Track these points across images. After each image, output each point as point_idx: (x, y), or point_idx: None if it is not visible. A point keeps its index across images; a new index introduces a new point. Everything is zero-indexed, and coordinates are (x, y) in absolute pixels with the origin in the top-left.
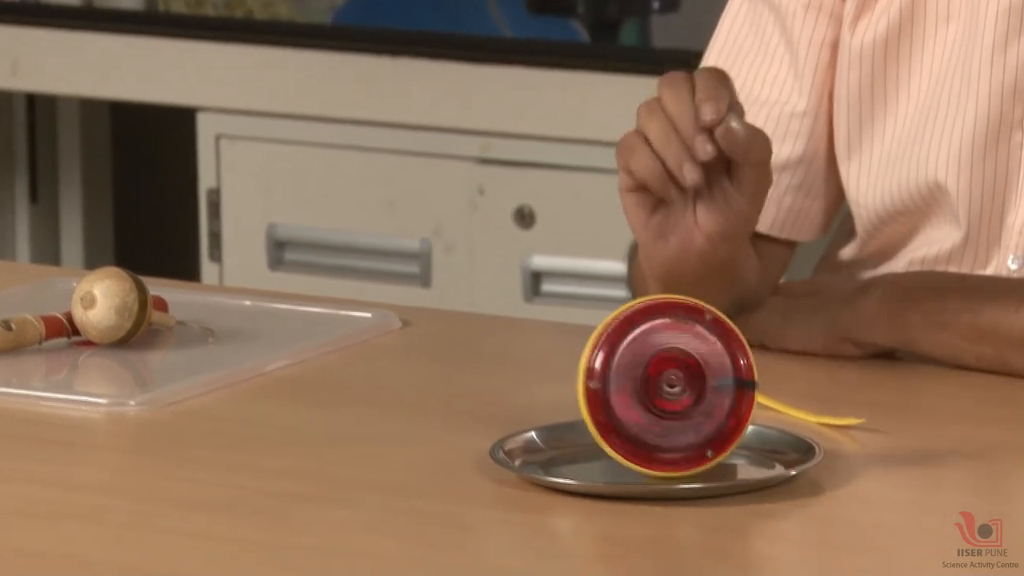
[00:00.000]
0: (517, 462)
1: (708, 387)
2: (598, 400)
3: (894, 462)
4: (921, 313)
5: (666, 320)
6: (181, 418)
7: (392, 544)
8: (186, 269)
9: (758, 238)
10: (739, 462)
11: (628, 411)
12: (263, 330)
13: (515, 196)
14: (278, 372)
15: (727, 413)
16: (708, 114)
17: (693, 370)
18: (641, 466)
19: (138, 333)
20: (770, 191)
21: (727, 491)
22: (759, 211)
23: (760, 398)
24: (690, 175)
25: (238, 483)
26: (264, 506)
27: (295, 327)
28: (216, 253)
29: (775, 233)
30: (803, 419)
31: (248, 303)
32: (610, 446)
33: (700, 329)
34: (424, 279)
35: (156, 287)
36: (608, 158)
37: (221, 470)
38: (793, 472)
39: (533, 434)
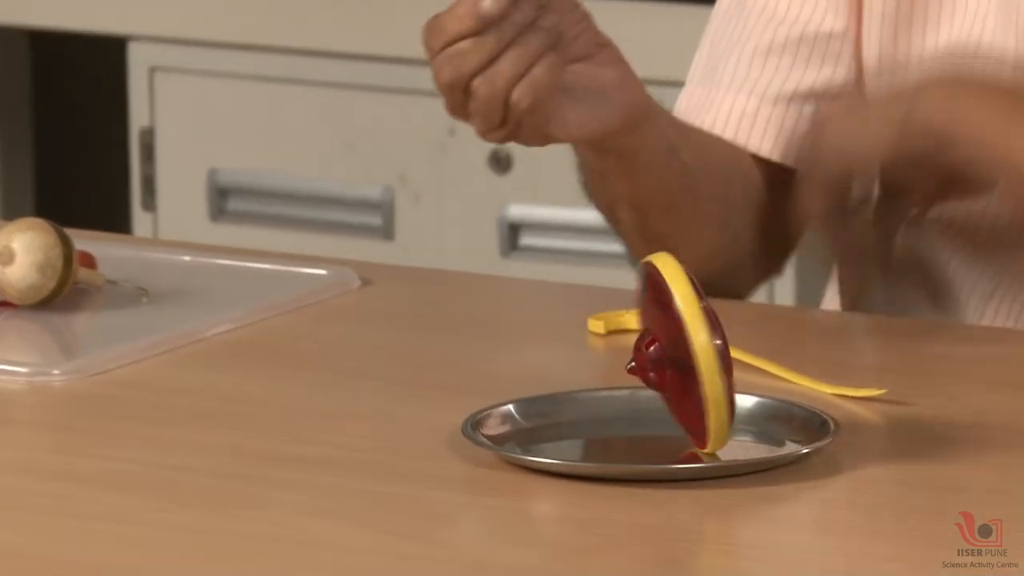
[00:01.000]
0: (493, 439)
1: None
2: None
3: (921, 438)
4: None
5: None
6: (111, 389)
7: (351, 532)
8: (116, 220)
9: (787, 174)
10: (743, 439)
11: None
12: (203, 289)
13: None
14: (221, 337)
15: None
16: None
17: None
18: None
19: (62, 293)
20: (803, 121)
21: (730, 471)
22: (617, 101)
23: (769, 366)
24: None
25: (176, 463)
26: (206, 489)
27: (240, 286)
28: (150, 201)
29: (790, 162)
30: (817, 390)
31: (187, 258)
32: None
33: None
34: (387, 231)
35: (82, 240)
36: None
37: (156, 448)
38: (805, 450)
39: (511, 407)
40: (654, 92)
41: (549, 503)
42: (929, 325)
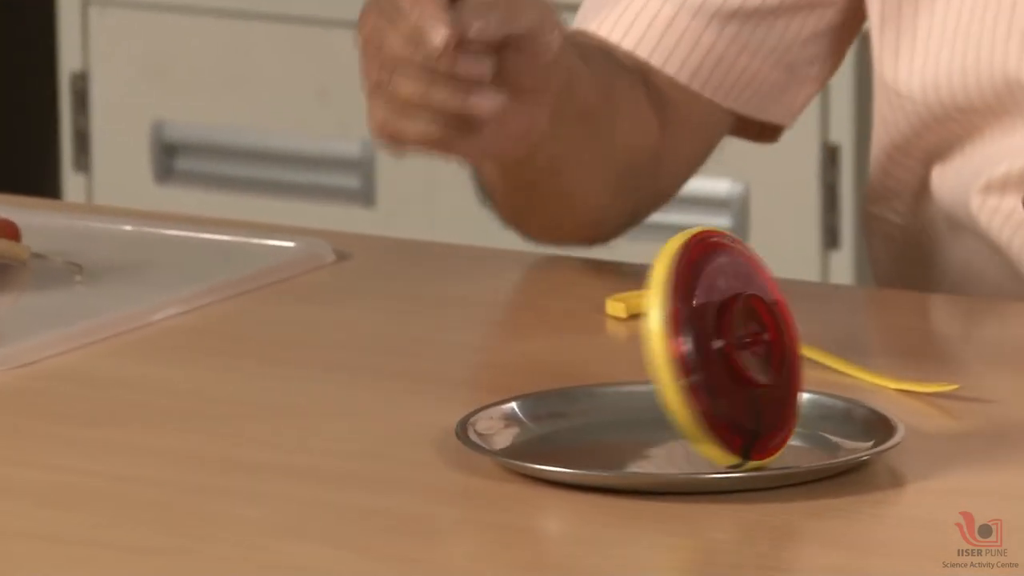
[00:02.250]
0: (493, 444)
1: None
2: (702, 395)
3: (1003, 441)
4: None
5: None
6: (40, 383)
7: (325, 553)
8: (43, 182)
9: (685, 102)
10: (793, 443)
11: (729, 392)
12: (148, 265)
13: None
14: (169, 321)
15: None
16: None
17: (769, 323)
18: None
19: None
20: (722, 43)
21: (777, 482)
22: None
23: (823, 357)
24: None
25: (118, 471)
26: (154, 502)
27: (192, 261)
28: (83, 160)
29: (711, 95)
30: (879, 384)
31: (128, 228)
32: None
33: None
34: (366, 195)
35: (3, 206)
36: None
37: (94, 454)
38: (865, 456)
39: (514, 406)
40: None
41: (559, 520)
42: (1011, 306)
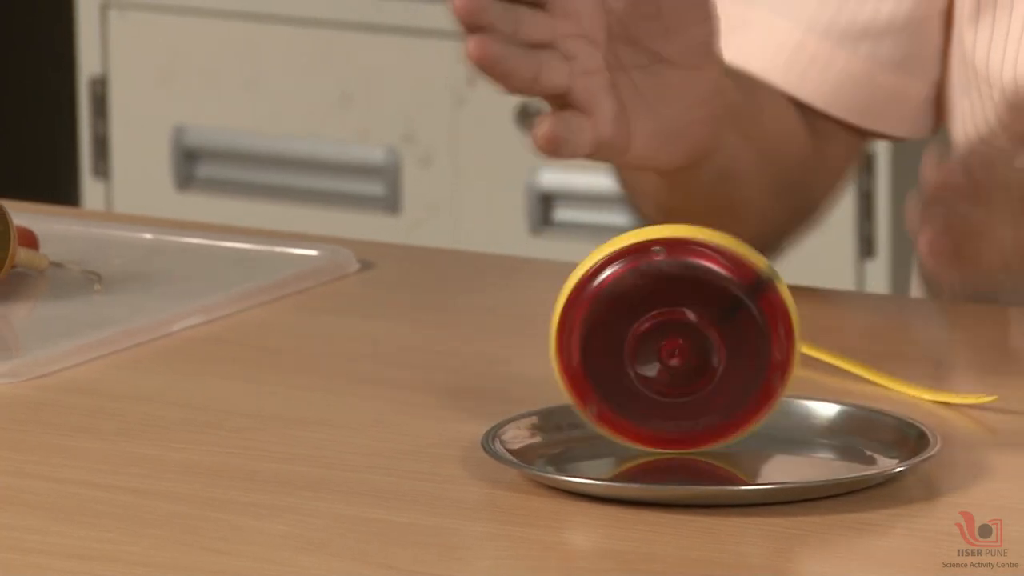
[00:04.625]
0: (520, 456)
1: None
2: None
3: None
4: None
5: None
6: (56, 395)
7: (346, 568)
8: (62, 188)
9: (828, 121)
10: (824, 455)
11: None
12: (168, 274)
13: None
14: (189, 332)
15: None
16: None
17: (688, 325)
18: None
19: None
20: (857, 64)
21: (807, 494)
22: (713, 77)
23: (856, 367)
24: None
25: (135, 484)
26: (171, 516)
27: (212, 270)
28: (102, 166)
29: (856, 121)
30: (914, 395)
31: (148, 236)
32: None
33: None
34: (391, 203)
35: (22, 214)
36: None
37: (111, 467)
38: (898, 469)
39: (540, 417)
40: None
41: (586, 533)
42: None
